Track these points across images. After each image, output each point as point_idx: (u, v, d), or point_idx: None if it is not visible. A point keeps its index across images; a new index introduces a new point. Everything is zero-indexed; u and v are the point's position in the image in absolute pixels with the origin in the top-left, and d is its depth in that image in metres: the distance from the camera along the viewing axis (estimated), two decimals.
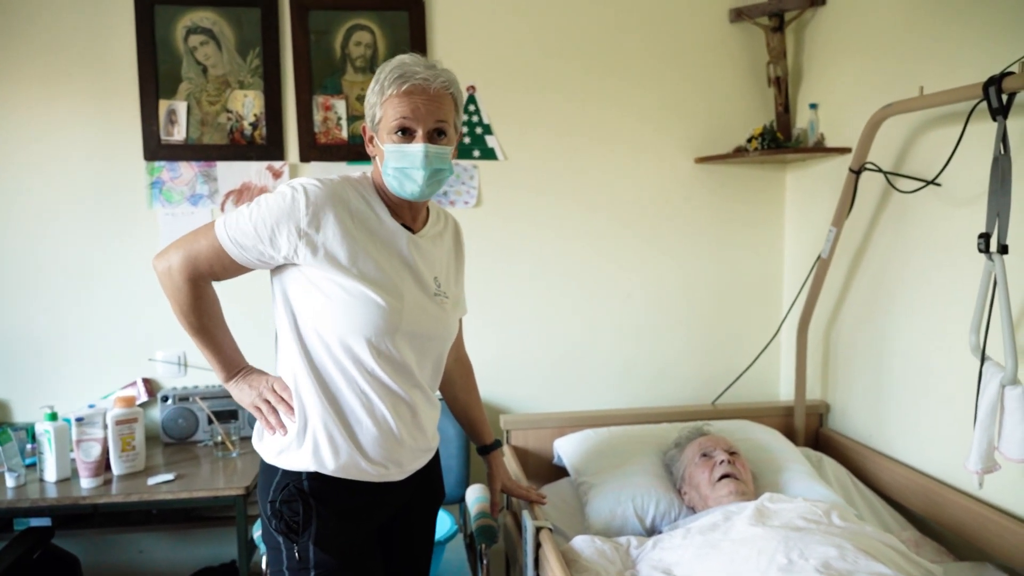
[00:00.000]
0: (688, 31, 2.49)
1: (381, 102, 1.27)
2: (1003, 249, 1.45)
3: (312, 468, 1.27)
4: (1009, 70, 1.42)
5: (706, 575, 1.44)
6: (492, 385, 2.46)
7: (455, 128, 1.33)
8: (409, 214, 1.37)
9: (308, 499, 1.27)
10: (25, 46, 2.22)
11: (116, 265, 2.31)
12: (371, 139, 1.33)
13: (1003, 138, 1.44)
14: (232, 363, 1.38)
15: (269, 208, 1.24)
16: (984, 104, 1.47)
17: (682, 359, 2.57)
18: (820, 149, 2.30)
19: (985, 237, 1.47)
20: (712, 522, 1.61)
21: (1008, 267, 1.57)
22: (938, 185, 1.81)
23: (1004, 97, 1.44)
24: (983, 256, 1.50)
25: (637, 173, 2.51)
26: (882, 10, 2.04)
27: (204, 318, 1.32)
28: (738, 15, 2.47)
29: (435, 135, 1.28)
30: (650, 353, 2.55)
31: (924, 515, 1.87)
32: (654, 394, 2.55)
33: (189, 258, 1.27)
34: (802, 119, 2.43)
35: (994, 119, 1.45)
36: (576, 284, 2.50)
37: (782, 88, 2.44)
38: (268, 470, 1.32)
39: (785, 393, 2.57)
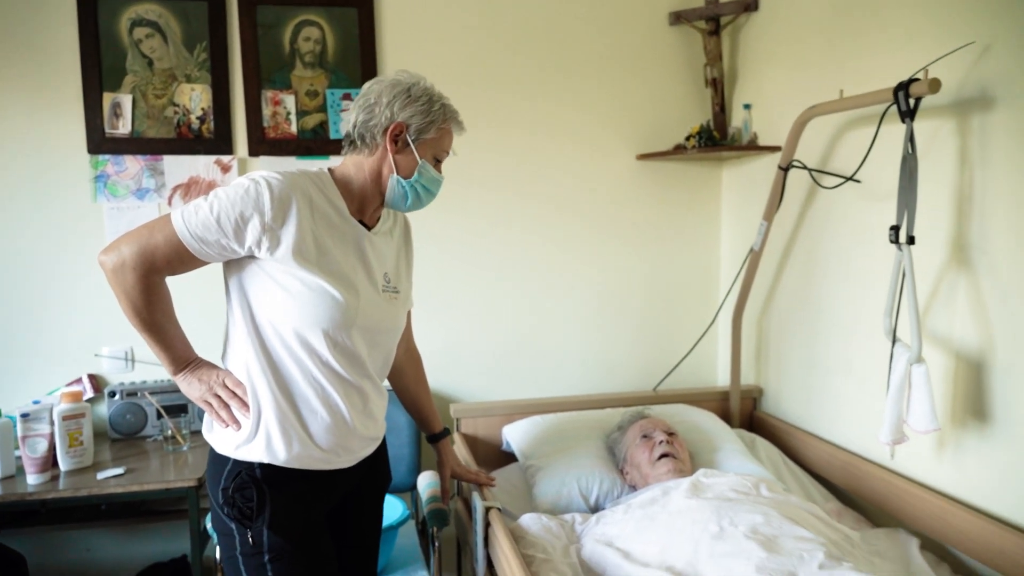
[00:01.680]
0: (630, 33, 2.59)
1: (440, 125, 1.38)
2: (911, 240, 1.59)
3: (265, 460, 1.30)
4: (915, 77, 1.56)
5: (645, 545, 1.54)
6: (442, 375, 2.52)
7: None
8: (367, 211, 1.42)
9: (261, 486, 1.30)
10: None
11: (59, 259, 2.28)
12: (400, 142, 1.36)
13: (911, 139, 1.57)
14: (182, 357, 1.37)
15: (232, 201, 1.24)
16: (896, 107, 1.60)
17: (625, 348, 2.67)
18: (753, 147, 2.43)
19: (895, 229, 1.60)
20: (651, 497, 1.71)
21: (915, 256, 1.72)
22: (858, 182, 1.94)
23: (912, 101, 1.57)
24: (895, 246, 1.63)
25: (582, 168, 2.60)
26: (809, 16, 2.17)
27: (157, 314, 1.31)
28: (677, 18, 2.58)
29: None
30: (595, 343, 2.65)
31: (845, 488, 2.01)
32: (599, 382, 2.65)
33: (144, 253, 1.25)
34: (737, 119, 2.56)
35: (903, 121, 1.59)
36: (523, 277, 2.58)
37: (718, 89, 2.57)
38: (219, 459, 1.34)
39: (722, 379, 2.70)
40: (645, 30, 2.60)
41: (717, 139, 2.49)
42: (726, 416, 2.45)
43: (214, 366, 1.39)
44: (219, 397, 1.34)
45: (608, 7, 2.57)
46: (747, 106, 2.48)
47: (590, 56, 2.58)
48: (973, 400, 1.65)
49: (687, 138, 2.50)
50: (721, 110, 2.58)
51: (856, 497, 2.00)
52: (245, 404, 1.32)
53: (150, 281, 1.28)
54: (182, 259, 1.27)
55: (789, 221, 2.29)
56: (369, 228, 1.41)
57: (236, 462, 1.31)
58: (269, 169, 1.32)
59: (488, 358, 2.58)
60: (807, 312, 2.22)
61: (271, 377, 1.31)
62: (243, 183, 1.27)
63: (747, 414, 2.50)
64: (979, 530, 1.57)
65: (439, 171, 1.43)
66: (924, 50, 1.69)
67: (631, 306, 2.67)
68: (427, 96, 1.37)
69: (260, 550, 1.29)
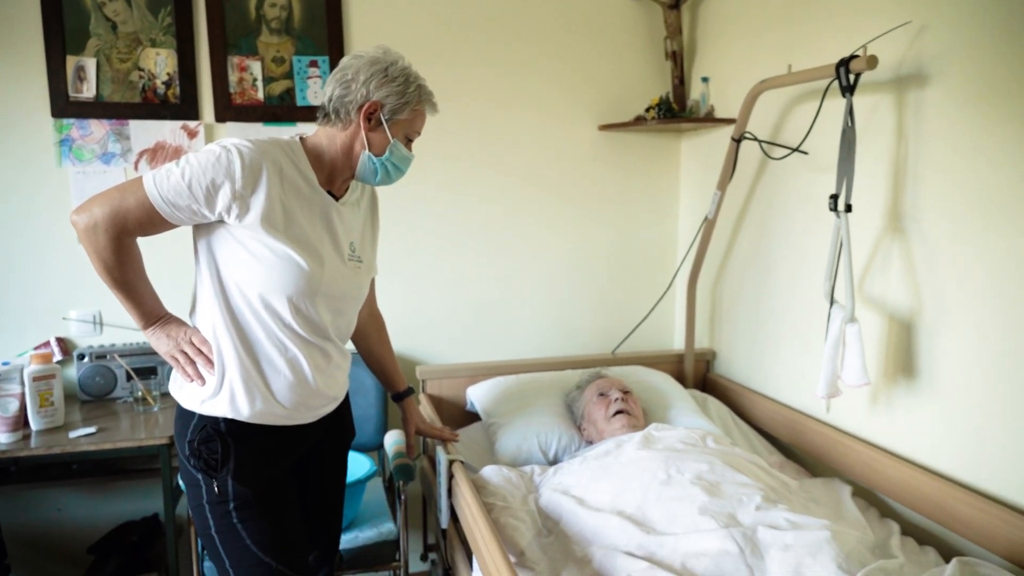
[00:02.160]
0: (593, 5, 2.65)
1: (414, 106, 1.43)
2: (848, 208, 1.69)
3: (229, 415, 1.36)
4: (855, 54, 1.65)
5: (598, 493, 1.65)
6: (409, 339, 2.60)
7: None
8: (336, 182, 1.47)
9: (226, 439, 1.36)
10: None
11: (24, 224, 2.28)
12: (374, 120, 1.40)
13: (850, 112, 1.67)
14: (152, 312, 1.42)
15: (203, 168, 1.28)
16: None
17: (587, 313, 2.77)
18: (710, 120, 2.51)
19: (835, 198, 1.71)
20: (605, 449, 1.82)
21: (855, 224, 1.83)
22: (805, 153, 2.04)
23: (852, 77, 1.66)
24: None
25: (545, 139, 2.66)
26: None
27: (128, 273, 1.36)
28: None
29: None
30: (557, 308, 2.74)
31: (788, 442, 2.15)
32: (560, 345, 2.75)
33: (116, 215, 1.28)
34: (696, 91, 2.64)
35: (844, 95, 1.68)
36: (488, 244, 2.65)
37: (678, 62, 2.64)
38: (185, 414, 1.41)
39: (679, 343, 2.82)
40: (607, 4, 2.66)
41: (676, 111, 2.57)
42: (681, 378, 2.57)
43: (183, 323, 1.44)
44: (185, 353, 1.39)
45: None
46: (705, 79, 2.56)
47: (554, 28, 2.62)
48: (903, 358, 1.78)
49: (647, 110, 2.57)
50: (681, 83, 2.66)
51: (798, 450, 2.14)
52: (210, 361, 1.38)
53: (122, 243, 1.32)
54: (153, 222, 1.31)
55: (742, 191, 2.40)
56: (337, 198, 1.46)
57: (202, 416, 1.37)
58: (236, 134, 1.37)
59: (454, 323, 2.66)
60: (757, 278, 2.34)
61: (236, 337, 1.36)
62: (215, 150, 1.31)
63: (701, 376, 2.63)
64: (904, 476, 1.71)
65: (410, 149, 1.49)
66: (868, 28, 1.78)
67: (593, 272, 2.76)
68: (404, 77, 1.41)
69: (225, 499, 1.36)
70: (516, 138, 2.64)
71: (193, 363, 1.39)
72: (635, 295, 2.79)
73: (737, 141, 2.19)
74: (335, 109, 1.42)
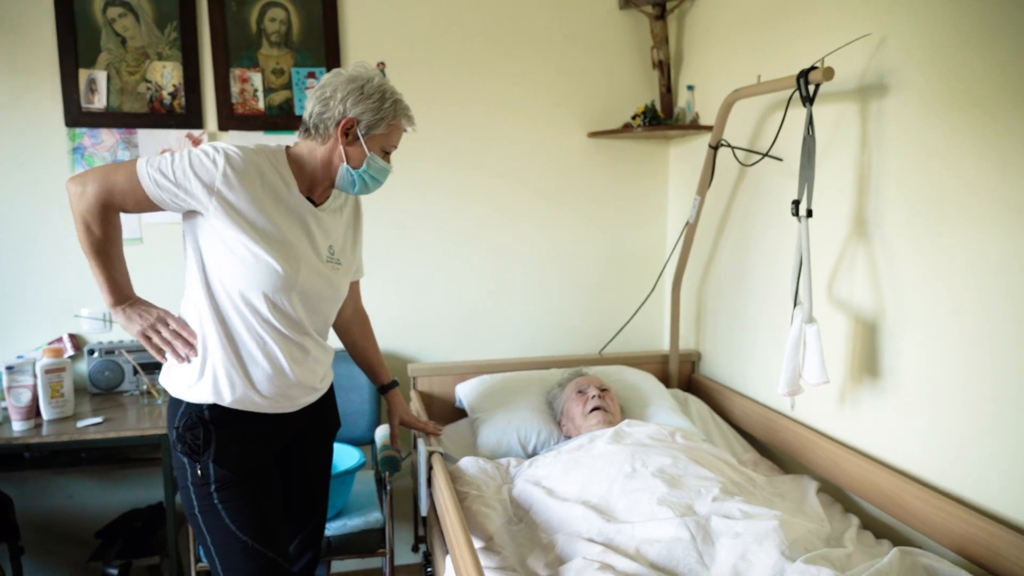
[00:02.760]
0: (583, 15, 2.74)
1: (389, 121, 1.51)
2: (809, 213, 1.76)
3: (211, 400, 1.47)
4: (815, 65, 1.72)
5: (568, 484, 1.73)
6: (402, 338, 2.70)
7: None
8: (316, 190, 1.57)
9: (208, 425, 1.47)
10: None
11: (40, 227, 2.42)
12: (351, 135, 1.50)
13: (810, 122, 1.74)
14: (121, 290, 1.51)
15: (191, 162, 1.41)
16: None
17: (576, 314, 2.85)
18: (695, 126, 2.59)
19: (796, 203, 1.78)
20: (579, 444, 1.90)
21: (824, 229, 1.90)
22: (779, 159, 2.11)
23: (811, 88, 1.73)
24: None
25: (536, 145, 2.75)
26: (742, 5, 2.32)
27: (106, 243, 1.45)
28: (627, 3, 2.73)
29: None
30: (546, 310, 2.83)
31: (764, 440, 2.22)
32: (550, 345, 2.84)
33: (106, 186, 1.40)
34: (682, 99, 2.72)
35: (804, 105, 1.76)
36: (480, 247, 2.75)
37: (664, 71, 2.72)
38: (174, 403, 1.52)
39: (667, 344, 2.89)
40: (597, 14, 2.75)
41: (661, 118, 2.65)
42: (666, 378, 2.64)
43: (152, 305, 1.54)
44: (159, 334, 1.49)
45: None
46: (690, 87, 2.64)
47: (545, 38, 2.72)
48: (868, 358, 1.84)
49: (633, 117, 2.65)
50: (668, 91, 2.74)
51: (772, 448, 2.20)
52: (188, 344, 1.48)
53: (106, 212, 1.42)
54: (137, 200, 1.42)
55: (724, 196, 2.47)
56: (317, 205, 1.56)
57: (188, 404, 1.49)
58: (239, 142, 1.48)
59: (446, 323, 2.75)
60: (737, 281, 2.41)
61: (219, 328, 1.47)
62: (206, 148, 1.44)
63: (685, 376, 2.70)
64: (864, 473, 1.78)
65: (387, 161, 1.58)
66: (834, 40, 1.85)
67: (582, 275, 2.85)
68: (380, 94, 1.50)
69: (207, 480, 1.47)
70: (508, 144, 2.73)
71: (169, 343, 1.48)
72: (624, 297, 2.87)
73: (714, 148, 2.27)
74: (315, 124, 1.52)
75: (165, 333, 1.50)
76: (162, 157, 1.42)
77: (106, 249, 1.47)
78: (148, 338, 1.51)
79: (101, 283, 1.51)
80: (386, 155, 1.58)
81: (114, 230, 1.47)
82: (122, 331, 2.50)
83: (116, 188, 1.41)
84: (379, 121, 1.51)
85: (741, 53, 2.33)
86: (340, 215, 1.65)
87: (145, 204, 1.44)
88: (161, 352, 1.51)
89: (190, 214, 1.47)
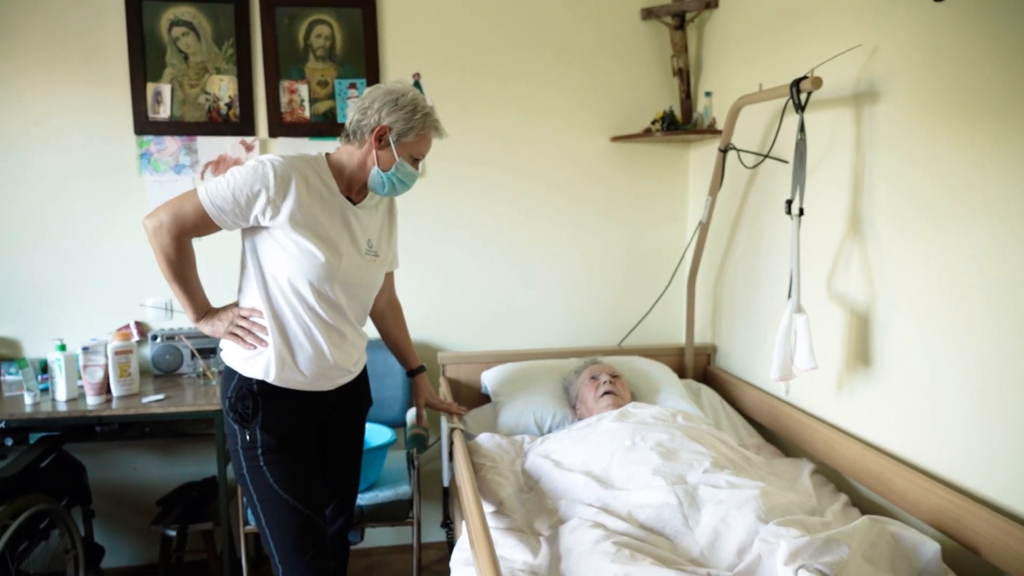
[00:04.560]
0: (607, 26, 2.90)
1: (419, 130, 1.68)
2: (801, 212, 1.89)
3: (260, 377, 1.69)
4: (806, 75, 1.85)
5: (574, 456, 1.90)
6: (433, 328, 2.91)
7: None
8: (354, 190, 1.77)
9: (256, 397, 1.69)
10: (28, 39, 2.58)
11: (111, 225, 2.70)
12: (384, 141, 1.68)
13: (801, 127, 1.87)
14: (202, 306, 1.74)
15: (244, 179, 1.59)
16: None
17: (598, 308, 3.01)
18: (712, 131, 2.73)
19: (789, 203, 1.91)
20: (587, 423, 2.07)
21: (822, 228, 2.03)
22: (785, 162, 2.24)
23: (803, 95, 1.87)
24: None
25: (561, 148, 2.93)
26: (755, 15, 2.45)
27: (184, 268, 1.67)
28: (648, 14, 2.88)
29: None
30: (569, 303, 2.99)
31: (769, 427, 2.34)
32: (571, 337, 3.00)
33: (177, 218, 1.59)
34: (701, 105, 2.86)
35: (796, 112, 1.89)
36: (508, 245, 2.94)
37: (684, 78, 2.86)
38: (228, 374, 1.74)
39: (684, 338, 3.02)
40: (619, 24, 2.91)
41: (679, 123, 2.80)
42: (682, 369, 2.78)
43: (223, 308, 1.76)
44: (241, 327, 1.71)
45: (587, 4, 2.88)
46: (708, 93, 2.78)
47: (570, 48, 2.89)
48: (862, 348, 1.96)
49: (652, 122, 2.80)
50: (687, 97, 2.88)
51: (776, 434, 2.33)
52: (263, 327, 1.69)
53: (181, 241, 1.64)
54: (206, 224, 1.63)
55: (737, 196, 2.60)
56: (355, 203, 1.77)
57: (241, 377, 1.70)
58: (286, 149, 1.69)
59: (476, 315, 2.94)
60: (750, 277, 2.53)
61: (271, 317, 1.69)
62: (253, 164, 1.62)
63: (701, 368, 2.83)
64: (855, 454, 1.89)
65: (416, 167, 1.76)
66: (835, 50, 1.98)
67: (605, 272, 3.01)
68: (412, 106, 1.68)
69: (255, 445, 1.69)
70: (535, 147, 2.91)
71: (250, 332, 1.70)
72: (644, 293, 3.01)
73: (724, 152, 2.40)
74: (354, 131, 1.72)
75: (245, 325, 1.69)
76: (217, 183, 1.60)
77: (185, 274, 1.67)
78: (234, 334, 1.70)
79: (184, 303, 1.71)
80: (415, 162, 1.76)
81: (188, 255, 1.66)
82: (182, 319, 2.77)
83: (187, 218, 1.60)
84: (409, 130, 1.69)
85: (753, 61, 2.46)
86: (376, 212, 1.84)
87: (212, 227, 1.63)
88: (246, 341, 1.69)
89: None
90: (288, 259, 1.66)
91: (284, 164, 1.63)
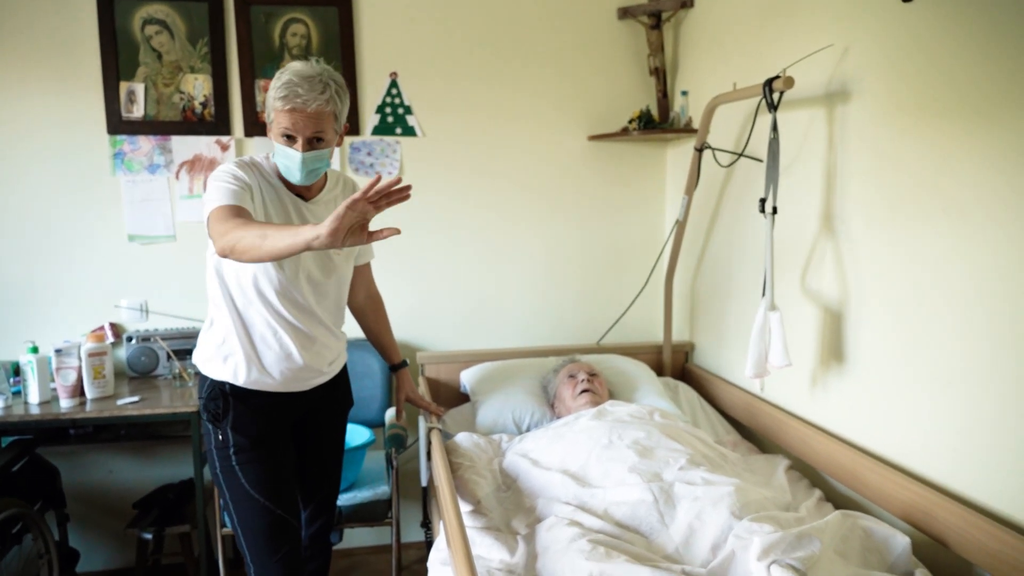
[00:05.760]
0: (583, 26, 2.91)
1: (273, 105, 1.55)
2: (774, 210, 1.91)
3: (229, 380, 1.69)
4: (778, 75, 1.87)
5: (551, 455, 1.91)
6: (412, 328, 2.90)
7: (335, 130, 1.60)
8: (303, 185, 1.69)
9: (227, 397, 1.69)
10: None
11: (85, 225, 2.67)
12: (269, 129, 1.61)
13: (774, 127, 1.89)
14: (308, 241, 1.32)
15: (223, 177, 1.57)
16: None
17: (576, 308, 3.02)
18: (688, 130, 2.74)
19: (763, 201, 1.93)
20: (565, 421, 2.08)
21: (797, 226, 2.05)
22: (760, 160, 2.25)
23: (776, 95, 1.88)
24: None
25: (538, 148, 2.93)
26: (730, 14, 2.47)
27: (263, 239, 1.37)
28: (624, 13, 2.89)
29: (314, 141, 1.56)
30: (548, 303, 3.00)
31: (746, 423, 2.36)
32: (550, 336, 3.01)
33: (219, 233, 1.46)
34: (678, 104, 2.88)
35: (769, 111, 1.91)
36: (487, 244, 2.94)
37: (660, 77, 2.88)
38: (202, 379, 1.74)
39: (662, 336, 3.04)
40: (596, 24, 2.92)
41: (656, 122, 2.81)
42: (659, 367, 2.80)
43: (328, 215, 1.37)
44: (364, 204, 1.33)
45: (563, 4, 2.88)
46: (684, 93, 2.79)
47: (547, 47, 2.90)
48: (835, 345, 1.98)
49: (629, 121, 2.82)
50: (664, 96, 2.89)
51: (753, 430, 2.35)
52: (373, 183, 1.34)
53: (236, 235, 1.41)
54: (239, 213, 1.50)
55: (713, 195, 2.62)
56: (307, 199, 1.72)
57: (213, 381, 1.70)
58: (262, 148, 1.67)
59: (454, 315, 2.94)
60: (726, 276, 2.55)
61: (237, 320, 1.68)
62: (220, 174, 1.60)
63: (679, 366, 2.85)
64: (828, 450, 1.92)
65: (291, 145, 1.55)
66: (807, 49, 2.00)
67: (582, 271, 3.02)
68: (278, 83, 1.54)
69: (227, 444, 1.69)
70: (512, 148, 2.91)
71: (376, 203, 1.35)
72: (622, 291, 3.03)
73: (699, 151, 2.42)
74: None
75: (348, 204, 1.31)
76: (210, 192, 1.55)
77: (268, 234, 1.38)
78: (364, 215, 1.35)
79: (296, 243, 1.34)
80: (290, 139, 1.56)
81: (255, 229, 1.41)
82: (157, 321, 2.73)
83: (223, 225, 1.47)
84: (271, 110, 1.56)
85: (728, 60, 2.48)
86: (335, 203, 1.78)
87: (246, 210, 1.55)
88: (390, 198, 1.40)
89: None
90: None
91: (241, 165, 1.64)
